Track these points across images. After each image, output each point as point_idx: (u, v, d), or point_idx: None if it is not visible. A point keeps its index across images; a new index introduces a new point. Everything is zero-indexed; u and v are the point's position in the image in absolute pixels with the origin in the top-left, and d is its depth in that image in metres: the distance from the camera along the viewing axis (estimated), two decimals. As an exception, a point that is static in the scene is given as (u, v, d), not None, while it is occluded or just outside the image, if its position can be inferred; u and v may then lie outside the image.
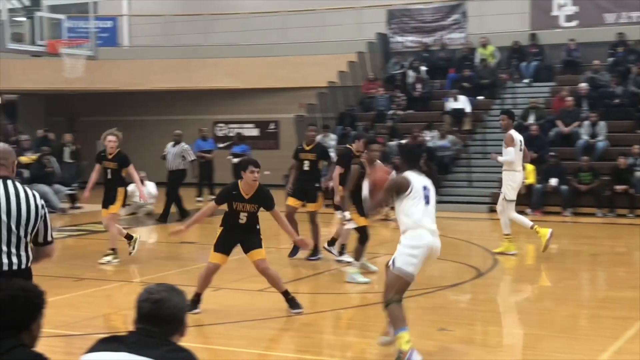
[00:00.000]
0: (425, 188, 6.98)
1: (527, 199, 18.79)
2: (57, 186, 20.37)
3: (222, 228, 8.96)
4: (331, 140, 22.51)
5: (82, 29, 20.07)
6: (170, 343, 3.40)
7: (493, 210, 19.07)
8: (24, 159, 21.03)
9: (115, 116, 27.47)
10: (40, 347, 3.54)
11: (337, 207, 11.89)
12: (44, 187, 19.70)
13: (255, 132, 27.15)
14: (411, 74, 23.79)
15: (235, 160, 22.75)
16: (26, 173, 20.31)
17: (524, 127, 20.58)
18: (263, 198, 8.75)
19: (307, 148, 12.96)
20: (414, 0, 25.36)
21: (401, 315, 6.84)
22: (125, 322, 8.24)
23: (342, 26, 25.44)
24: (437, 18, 25.03)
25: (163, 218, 17.91)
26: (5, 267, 4.95)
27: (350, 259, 11.49)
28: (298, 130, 23.99)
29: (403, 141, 20.95)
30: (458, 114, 22.04)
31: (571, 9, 23.52)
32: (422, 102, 23.28)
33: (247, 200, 8.71)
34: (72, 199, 20.74)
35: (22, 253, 5.00)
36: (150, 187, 19.66)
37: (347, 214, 10.82)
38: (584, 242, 15.57)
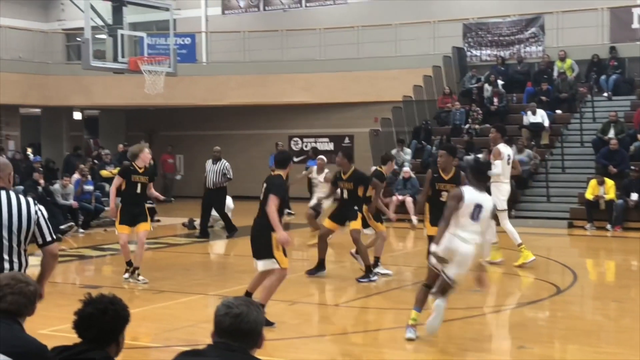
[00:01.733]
0: (477, 206, 7.92)
1: (607, 215, 18.44)
2: (137, 200, 20.72)
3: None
4: (406, 154, 22.47)
5: (162, 46, 20.47)
6: (250, 357, 3.45)
7: (572, 226, 18.84)
8: (105, 173, 21.54)
9: (192, 131, 27.96)
10: (121, 359, 3.64)
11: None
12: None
13: (330, 146, 27.25)
14: (488, 87, 23.59)
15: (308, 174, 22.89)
16: (107, 187, 20.76)
17: (604, 142, 20.22)
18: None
19: (344, 177, 12.13)
20: (491, 14, 25.16)
21: (421, 298, 8.25)
22: (204, 334, 8.32)
23: (417, 40, 25.37)
24: (514, 31, 24.78)
25: (231, 232, 17.74)
26: None
27: (387, 271, 12.13)
28: (373, 145, 24.02)
29: (480, 155, 20.78)
30: (536, 128, 21.75)
31: (652, 22, 23.04)
32: (499, 116, 23.05)
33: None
34: (151, 212, 21.08)
35: (15, 259, 5.35)
36: (228, 201, 19.79)
37: (415, 220, 10.97)
38: (667, 259, 15.17)
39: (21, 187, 19.98)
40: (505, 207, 13.36)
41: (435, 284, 8.16)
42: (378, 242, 12.42)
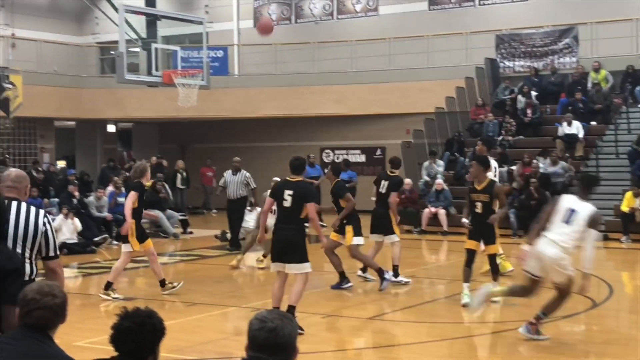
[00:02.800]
0: (572, 210, 8.46)
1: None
2: (170, 212, 20.87)
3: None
4: (439, 166, 22.37)
5: (195, 59, 20.60)
6: None
7: (608, 239, 18.60)
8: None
9: (224, 143, 28.08)
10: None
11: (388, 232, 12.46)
12: (157, 213, 20.24)
13: (361, 158, 27.24)
14: (521, 99, 23.45)
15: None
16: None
17: (638, 153, 20.00)
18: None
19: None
20: (524, 25, 25.04)
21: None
22: (237, 347, 8.34)
23: (449, 52, 25.31)
24: (547, 42, 24.63)
25: (232, 246, 17.22)
26: None
27: (407, 279, 12.41)
28: (405, 157, 23.95)
29: (513, 167, 20.67)
30: (571, 139, 21.57)
31: (688, 31, 22.80)
32: (533, 127, 22.90)
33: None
34: (184, 224, 21.21)
35: (26, 266, 5.49)
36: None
37: (466, 221, 10.93)
38: None
39: (56, 200, 20.22)
40: None
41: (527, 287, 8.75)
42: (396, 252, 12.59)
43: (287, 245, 9.05)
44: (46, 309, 3.81)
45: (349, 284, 12.21)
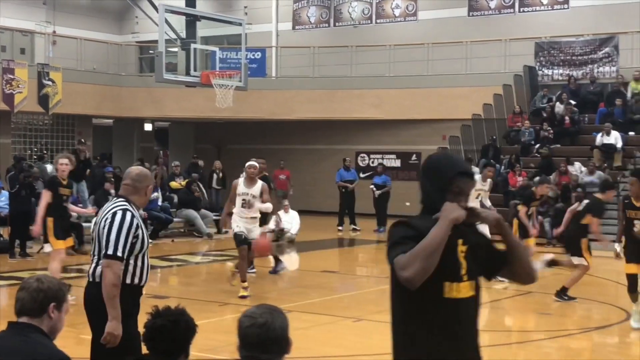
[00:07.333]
0: None
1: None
2: (204, 211, 20.97)
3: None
4: (475, 173, 22.22)
5: (233, 60, 20.69)
6: None
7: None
8: (174, 184, 21.81)
9: (260, 144, 28.15)
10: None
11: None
12: (192, 212, 20.36)
13: (397, 163, 27.16)
14: (559, 107, 23.26)
15: (377, 191, 22.88)
16: (175, 198, 21.03)
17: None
18: None
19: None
20: (564, 33, 24.84)
21: None
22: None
23: (488, 58, 25.17)
24: (587, 51, 24.39)
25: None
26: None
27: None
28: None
29: (550, 177, 20.47)
30: (608, 149, 21.36)
31: None
32: (570, 136, 22.70)
33: None
34: (219, 224, 21.29)
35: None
36: (294, 215, 19.83)
37: (618, 247, 10.31)
38: None
39: (92, 197, 20.40)
40: None
41: None
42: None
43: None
44: (24, 290, 3.75)
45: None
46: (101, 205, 18.80)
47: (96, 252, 5.43)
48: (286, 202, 20.05)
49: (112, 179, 19.51)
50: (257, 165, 12.13)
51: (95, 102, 26.06)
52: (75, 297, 11.00)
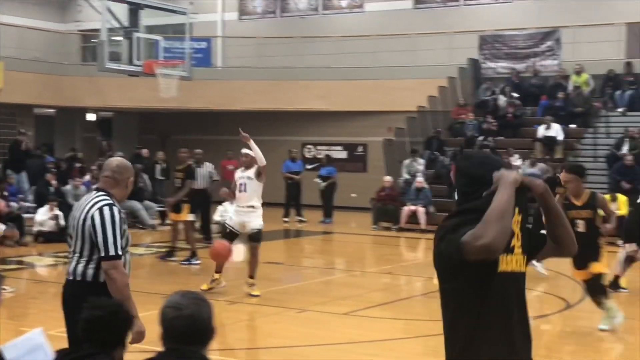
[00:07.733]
0: None
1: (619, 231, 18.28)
2: (148, 203, 20.79)
3: None
4: (419, 165, 22.41)
5: (178, 50, 20.49)
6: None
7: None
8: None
9: (205, 135, 27.98)
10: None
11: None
12: (135, 203, 20.15)
13: (343, 154, 27.23)
14: (502, 99, 23.53)
15: (322, 183, 22.93)
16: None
17: (617, 157, 20.12)
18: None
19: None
20: (507, 26, 25.12)
21: None
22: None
23: (433, 51, 25.35)
24: (530, 44, 24.72)
25: (207, 238, 17.21)
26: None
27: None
28: (386, 154, 23.99)
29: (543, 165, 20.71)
30: (550, 141, 21.69)
31: (670, 37, 22.93)
32: (513, 128, 22.99)
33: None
34: (162, 215, 21.13)
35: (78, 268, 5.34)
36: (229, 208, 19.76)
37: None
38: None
39: (33, 187, 20.09)
40: None
41: None
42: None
43: None
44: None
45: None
46: (42, 196, 18.59)
47: (78, 249, 5.21)
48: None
49: (54, 170, 19.20)
50: (248, 153, 12.23)
51: (36, 91, 25.61)
52: (15, 289, 10.88)
